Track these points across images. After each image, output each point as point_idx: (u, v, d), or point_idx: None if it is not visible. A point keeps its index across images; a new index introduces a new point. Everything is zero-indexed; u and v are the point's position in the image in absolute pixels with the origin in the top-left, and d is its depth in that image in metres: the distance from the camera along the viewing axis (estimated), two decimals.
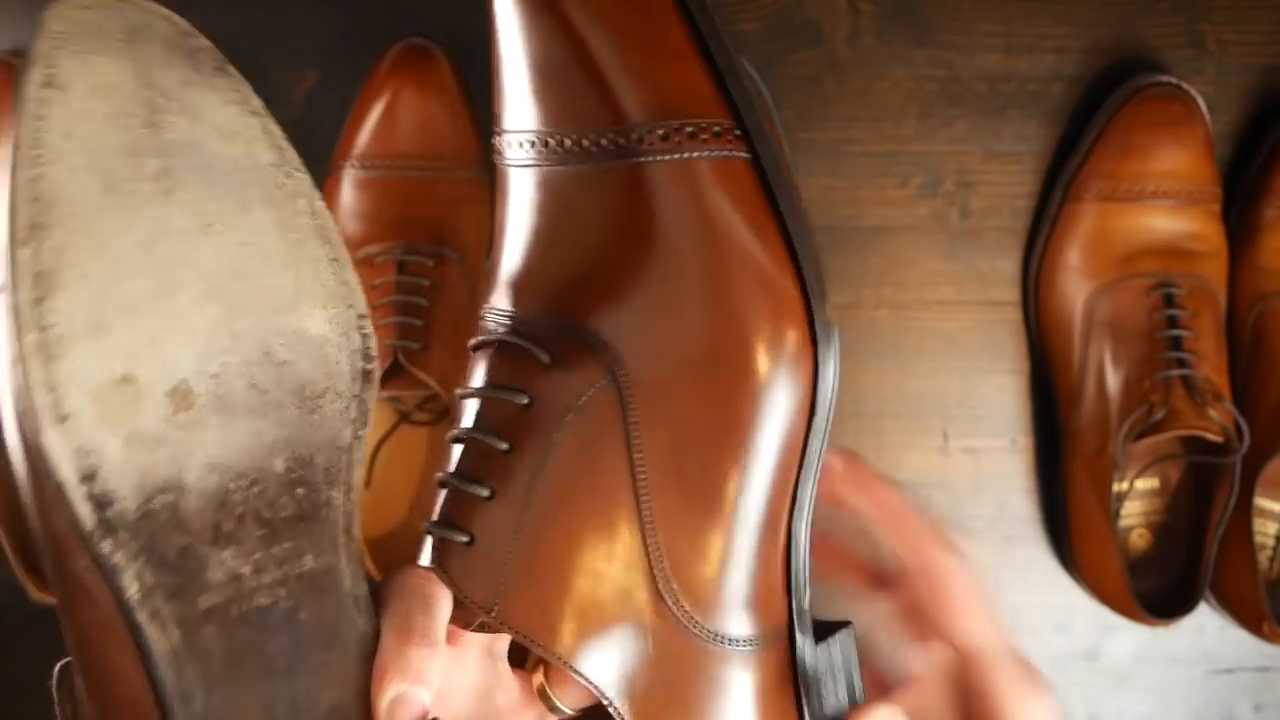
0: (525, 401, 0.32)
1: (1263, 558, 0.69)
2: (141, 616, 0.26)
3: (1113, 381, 0.65)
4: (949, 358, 0.71)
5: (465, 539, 0.32)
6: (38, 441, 0.25)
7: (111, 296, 0.26)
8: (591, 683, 0.31)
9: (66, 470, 0.25)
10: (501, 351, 0.33)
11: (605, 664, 0.31)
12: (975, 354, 0.71)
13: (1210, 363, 0.65)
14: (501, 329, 0.33)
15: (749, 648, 0.33)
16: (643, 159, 0.32)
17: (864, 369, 0.70)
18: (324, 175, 0.67)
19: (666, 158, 0.31)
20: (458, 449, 0.33)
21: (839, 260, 0.70)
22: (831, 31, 0.68)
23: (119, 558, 0.26)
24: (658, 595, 0.32)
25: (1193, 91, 0.65)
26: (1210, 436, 0.64)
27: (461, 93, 0.66)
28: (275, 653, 0.28)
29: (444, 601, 0.31)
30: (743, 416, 0.32)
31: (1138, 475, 0.70)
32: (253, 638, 0.28)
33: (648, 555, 0.32)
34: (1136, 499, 0.70)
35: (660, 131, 0.31)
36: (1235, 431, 0.64)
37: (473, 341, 0.34)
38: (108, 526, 0.25)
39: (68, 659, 0.29)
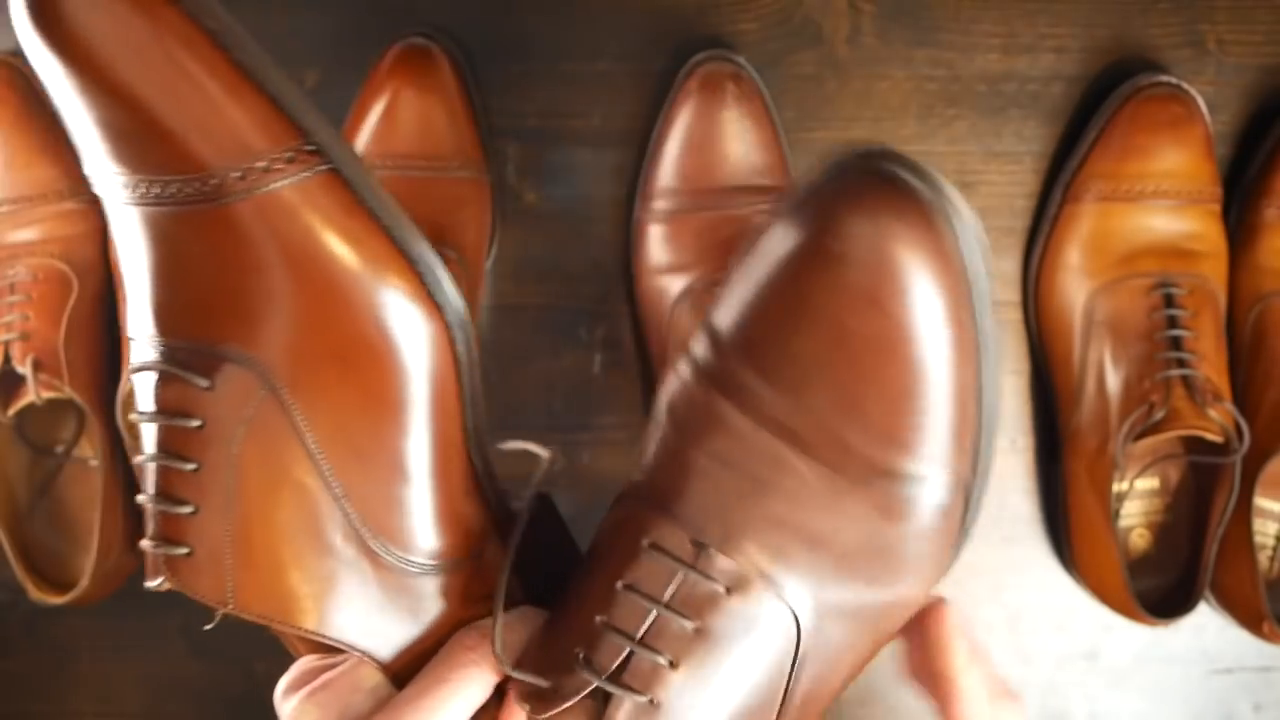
0: (198, 424, 0.34)
1: (1263, 558, 0.69)
2: None
3: (1113, 381, 0.65)
4: None
5: (185, 550, 0.34)
6: None
7: None
8: (342, 642, 0.36)
9: None
10: (163, 379, 0.35)
11: (346, 622, 0.36)
12: None
13: (1210, 363, 0.65)
14: (154, 357, 0.35)
15: (456, 564, 0.38)
16: (228, 200, 0.33)
17: None
18: None
19: (250, 195, 0.33)
20: (150, 470, 0.35)
21: None
22: (831, 31, 0.68)
23: None
24: (370, 552, 0.36)
25: (1193, 91, 0.65)
26: (1210, 436, 0.64)
27: (461, 93, 0.66)
28: None
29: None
30: (385, 385, 0.35)
31: (1138, 475, 0.70)
32: None
33: (350, 522, 0.35)
34: (1136, 499, 0.70)
35: (237, 174, 0.32)
36: (1235, 431, 0.64)
37: (131, 367, 0.36)
38: None
39: None
